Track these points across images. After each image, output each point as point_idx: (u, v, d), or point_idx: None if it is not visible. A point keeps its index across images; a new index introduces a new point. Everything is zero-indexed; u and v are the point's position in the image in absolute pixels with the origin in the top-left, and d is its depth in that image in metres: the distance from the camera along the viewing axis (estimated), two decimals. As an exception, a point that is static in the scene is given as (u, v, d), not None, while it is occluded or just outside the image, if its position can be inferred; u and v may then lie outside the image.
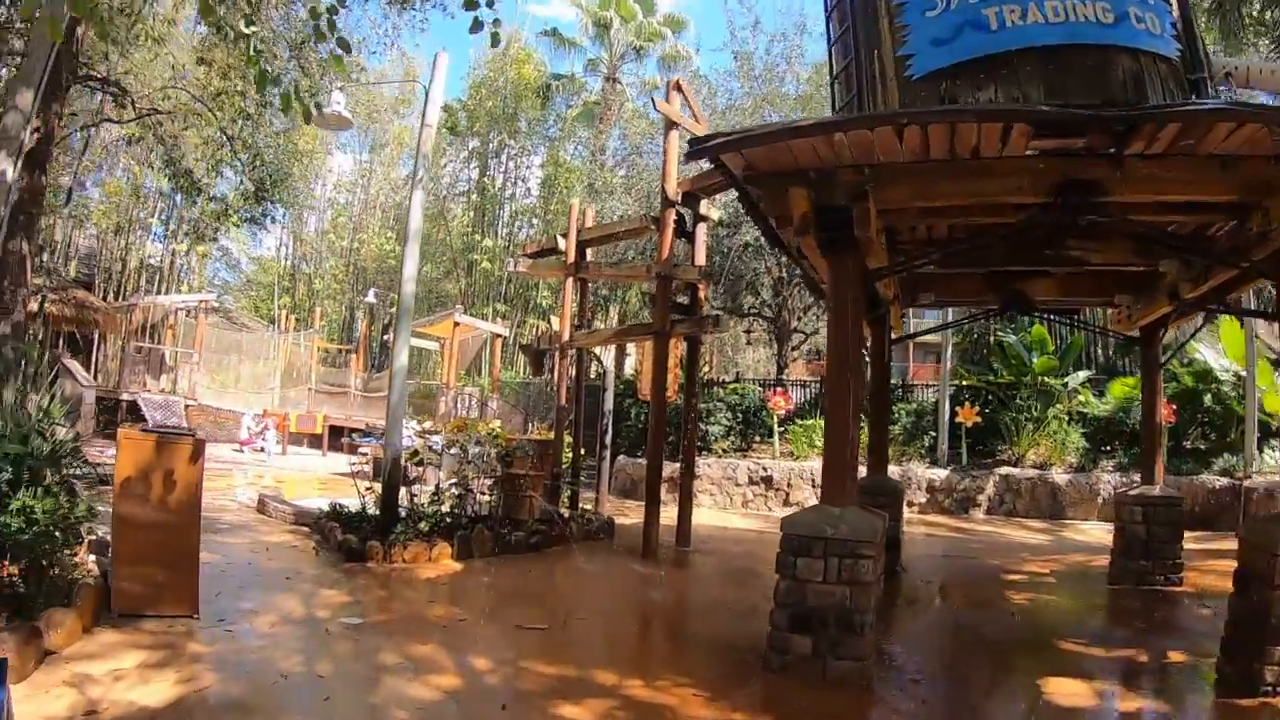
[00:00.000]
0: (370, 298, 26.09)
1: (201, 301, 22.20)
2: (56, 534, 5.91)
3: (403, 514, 8.71)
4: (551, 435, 11.25)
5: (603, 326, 18.67)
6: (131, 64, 12.61)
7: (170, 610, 5.68)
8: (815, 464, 14.59)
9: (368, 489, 9.08)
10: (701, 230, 10.94)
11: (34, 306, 12.65)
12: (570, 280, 11.24)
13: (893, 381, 21.35)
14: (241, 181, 14.10)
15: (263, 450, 20.60)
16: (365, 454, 14.39)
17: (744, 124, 21.72)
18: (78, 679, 4.34)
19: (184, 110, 12.41)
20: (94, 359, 22.02)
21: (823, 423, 15.83)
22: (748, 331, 23.40)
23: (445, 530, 8.71)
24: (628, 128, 24.04)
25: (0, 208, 6.09)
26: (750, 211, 6.95)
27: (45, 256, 22.75)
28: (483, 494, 9.75)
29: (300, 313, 29.93)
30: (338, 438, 22.40)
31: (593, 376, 15.40)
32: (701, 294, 10.85)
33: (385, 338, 28.86)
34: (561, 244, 11.40)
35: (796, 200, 5.45)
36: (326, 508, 9.38)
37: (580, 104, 31.13)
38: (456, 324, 21.04)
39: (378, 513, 8.63)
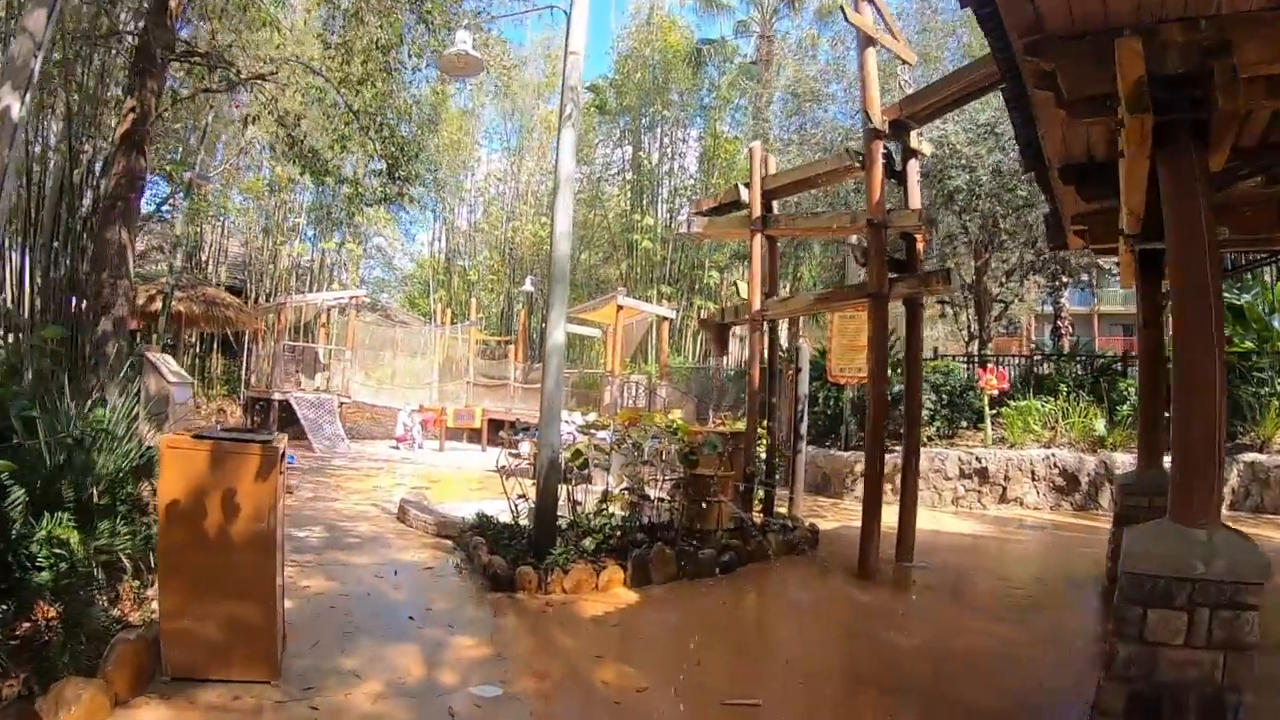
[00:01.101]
0: (528, 286, 24.83)
1: (353, 298, 21.47)
2: (97, 572, 4.39)
3: (563, 525, 6.90)
4: (739, 426, 9.17)
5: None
6: (242, 41, 11.52)
7: (239, 674, 4.05)
8: (1034, 453, 12.44)
9: (521, 497, 7.31)
10: (913, 169, 8.64)
11: (156, 304, 11.79)
12: (757, 238, 9.11)
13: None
14: (372, 159, 12.76)
15: (420, 447, 19.63)
16: (519, 453, 12.80)
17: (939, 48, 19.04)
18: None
19: (296, 81, 11.16)
20: (245, 361, 21.79)
21: (1039, 405, 13.66)
22: (944, 302, 20.54)
23: (615, 548, 6.84)
24: (792, 84, 21.66)
25: (4, 150, 4.62)
26: (1014, 105, 5.10)
27: (179, 256, 22.77)
28: (661, 498, 7.84)
29: (456, 306, 29.18)
30: (498, 431, 21.21)
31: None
32: (919, 245, 8.55)
33: (544, 326, 27.59)
34: (744, 195, 9.30)
35: (1128, 59, 3.65)
36: (474, 517, 7.73)
37: (734, 68, 28.92)
38: (619, 307, 19.29)
39: (532, 526, 6.85)
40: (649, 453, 7.75)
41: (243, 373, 21.96)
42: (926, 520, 10.67)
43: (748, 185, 9.25)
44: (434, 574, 6.74)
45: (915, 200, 8.59)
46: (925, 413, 13.49)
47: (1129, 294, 32.36)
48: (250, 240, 23.94)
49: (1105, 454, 12.13)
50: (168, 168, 14.77)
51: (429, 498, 10.35)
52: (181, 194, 12.65)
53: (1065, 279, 19.56)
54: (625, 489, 7.60)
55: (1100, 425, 12.61)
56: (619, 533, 7.06)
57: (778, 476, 9.73)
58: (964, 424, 14.06)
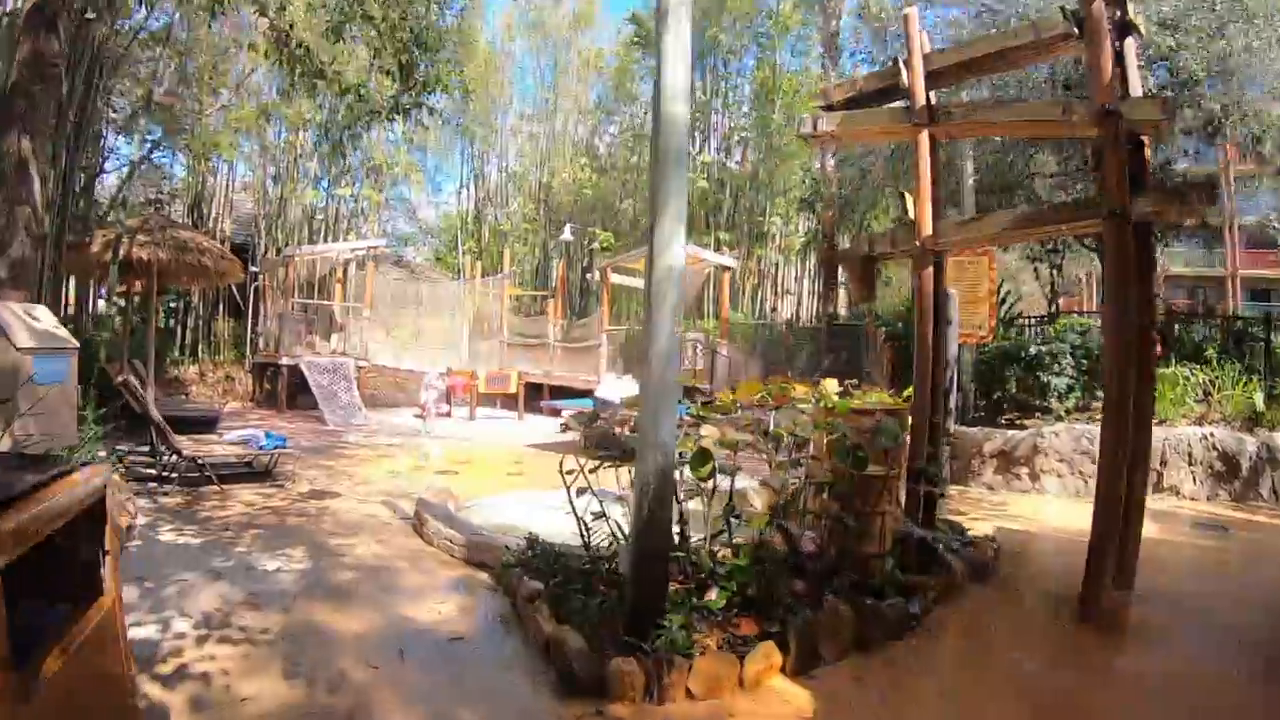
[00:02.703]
0: (566, 234, 22.10)
1: (371, 248, 18.78)
2: None
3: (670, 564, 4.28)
4: (873, 399, 6.31)
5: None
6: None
7: None
8: (1188, 432, 9.80)
9: (597, 516, 4.70)
10: (1130, 49, 5.83)
11: (96, 246, 9.24)
12: (923, 137, 6.28)
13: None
14: (376, 58, 10.06)
15: (446, 416, 17.12)
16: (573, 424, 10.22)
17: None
18: None
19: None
20: (253, 322, 19.37)
21: (1186, 374, 10.89)
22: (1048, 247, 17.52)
23: (754, 600, 4.23)
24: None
25: None
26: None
27: (181, 208, 20.29)
28: (806, 509, 5.19)
29: (488, 259, 26.52)
30: (535, 396, 18.70)
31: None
32: (1146, 150, 5.75)
33: (589, 276, 24.88)
34: (904, 77, 6.45)
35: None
36: (522, 543, 5.19)
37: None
38: (676, 254, 16.56)
39: (618, 561, 4.28)
40: (784, 447, 5.09)
41: (249, 335, 19.56)
42: (1074, 512, 8.25)
43: (906, 64, 6.42)
44: (465, 656, 4.13)
45: (1136, 88, 5.78)
46: (1063, 381, 10.81)
47: (1193, 255, 29.02)
48: (258, 191, 21.42)
49: (1264, 433, 9.60)
50: (126, 83, 12.26)
51: (455, 494, 7.79)
52: (143, 111, 10.06)
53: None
54: (751, 504, 4.96)
55: (1259, 399, 9.92)
56: (757, 571, 4.43)
57: (947, 468, 7.03)
58: (1099, 393, 11.38)
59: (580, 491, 4.70)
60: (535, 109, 30.09)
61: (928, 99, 6.30)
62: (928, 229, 6.10)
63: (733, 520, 4.72)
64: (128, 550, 5.74)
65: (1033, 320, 16.89)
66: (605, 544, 4.75)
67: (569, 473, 4.74)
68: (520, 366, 19.26)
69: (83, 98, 9.57)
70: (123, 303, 14.35)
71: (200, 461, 8.01)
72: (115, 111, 14.23)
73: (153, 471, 8.49)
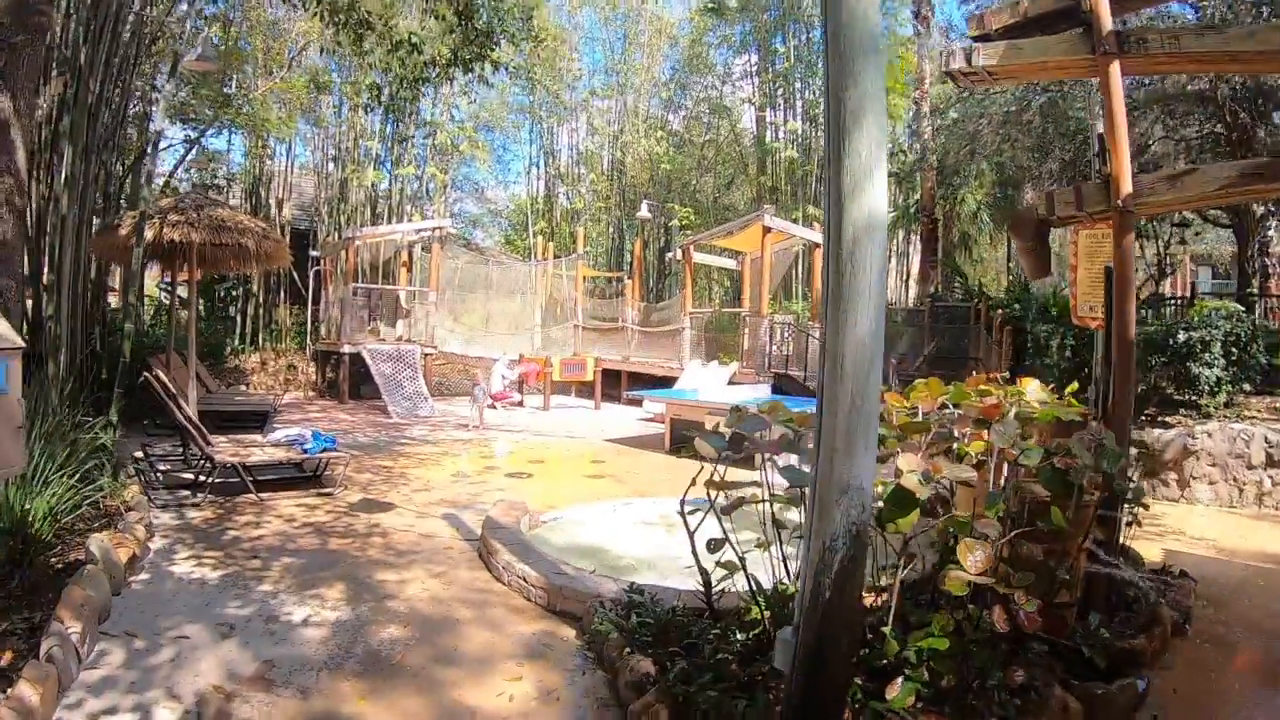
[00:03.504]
0: (644, 211, 20.64)
1: (437, 229, 17.62)
2: None
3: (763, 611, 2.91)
4: (1072, 403, 4.72)
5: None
6: None
7: None
8: None
9: (722, 567, 3.34)
10: None
11: (125, 229, 8.17)
12: (1114, 69, 4.76)
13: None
14: (433, 7, 8.83)
15: (519, 404, 15.97)
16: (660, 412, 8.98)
17: None
18: None
19: None
20: (315, 309, 18.51)
21: None
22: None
23: (949, 693, 2.86)
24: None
25: None
26: None
27: (238, 194, 19.48)
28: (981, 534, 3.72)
29: (559, 240, 25.27)
30: (614, 385, 17.43)
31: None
32: None
33: (669, 255, 23.37)
34: None
35: None
36: (618, 587, 3.91)
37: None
38: (766, 229, 14.95)
39: (758, 630, 2.94)
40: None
41: (310, 322, 18.71)
42: (1249, 531, 6.93)
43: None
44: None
45: None
46: (1214, 374, 9.17)
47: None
48: (318, 173, 20.55)
49: None
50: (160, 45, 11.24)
51: (528, 505, 6.51)
52: (170, 80, 8.96)
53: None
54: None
55: None
56: (960, 659, 3.02)
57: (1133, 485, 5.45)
58: (1247, 386, 9.62)
59: (715, 545, 3.34)
60: (605, 83, 28.67)
61: (1112, 27, 4.78)
62: (1127, 185, 4.57)
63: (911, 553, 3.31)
64: (129, 588, 4.61)
65: (1174, 302, 15.03)
66: (724, 578, 3.41)
67: (691, 513, 3.38)
68: (597, 352, 18.01)
69: (105, 70, 8.53)
70: (176, 291, 13.45)
71: (235, 466, 6.89)
72: (156, 90, 13.35)
73: (189, 477, 7.47)
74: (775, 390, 12.65)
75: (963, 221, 20.84)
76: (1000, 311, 13.86)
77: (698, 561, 3.44)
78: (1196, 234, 19.10)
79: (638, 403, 15.03)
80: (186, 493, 7.01)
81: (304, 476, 7.95)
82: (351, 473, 8.30)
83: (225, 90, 16.52)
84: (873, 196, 2.46)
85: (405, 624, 4.19)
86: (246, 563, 5.15)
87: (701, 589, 3.64)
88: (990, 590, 3.24)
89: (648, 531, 6.52)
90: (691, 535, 3.44)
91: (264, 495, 6.98)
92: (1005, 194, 20.35)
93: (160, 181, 16.35)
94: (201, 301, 18.49)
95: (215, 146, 19.48)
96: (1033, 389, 4.09)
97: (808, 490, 2.62)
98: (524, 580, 4.61)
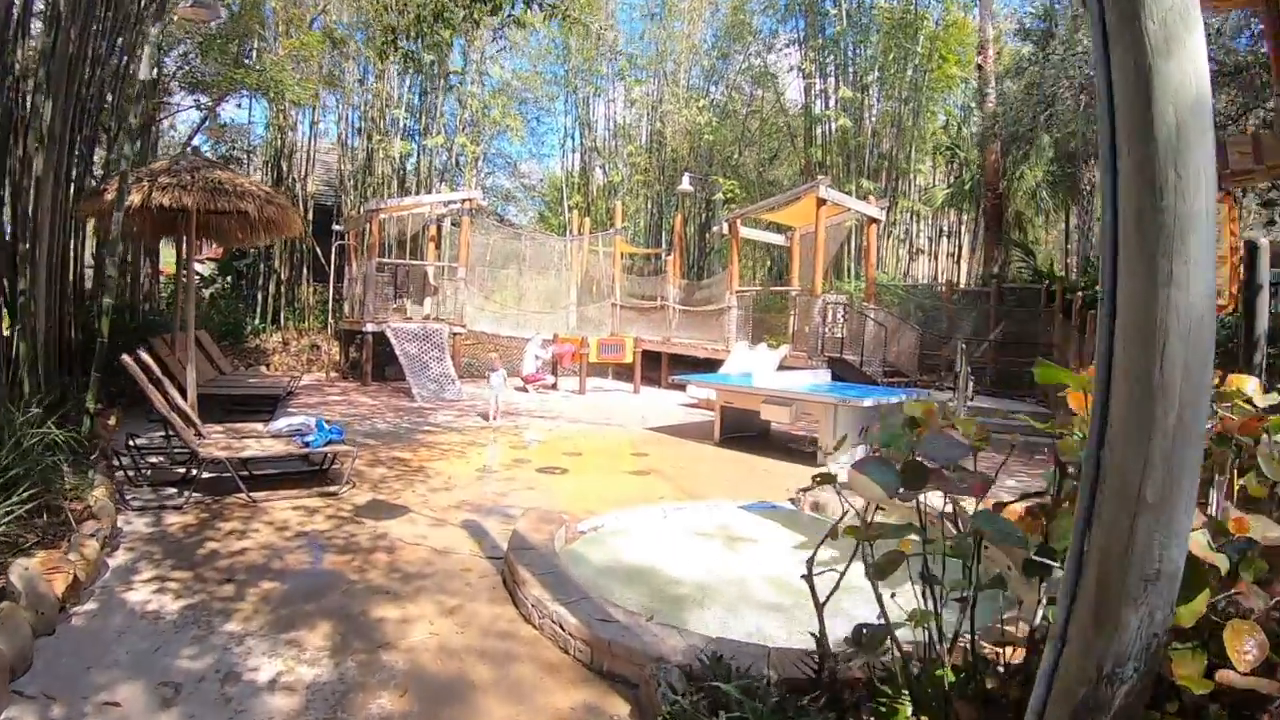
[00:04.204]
0: (685, 185, 19.43)
1: (466, 200, 16.57)
2: None
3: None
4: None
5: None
6: None
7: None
8: None
9: (856, 648, 2.27)
10: None
11: (111, 193, 7.17)
12: None
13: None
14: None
15: (552, 388, 14.98)
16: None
17: None
18: None
19: None
20: (338, 286, 17.65)
21: None
22: (1269, 204, 13.94)
23: None
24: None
25: None
26: None
27: (257, 166, 18.65)
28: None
29: (595, 215, 24.12)
30: (653, 367, 16.38)
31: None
32: None
33: (714, 229, 22.16)
34: None
35: None
36: (691, 660, 2.87)
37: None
38: (821, 201, 13.70)
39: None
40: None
41: (333, 300, 17.82)
42: None
43: None
44: None
45: None
46: None
47: None
48: (341, 145, 19.62)
49: None
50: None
51: (563, 514, 5.49)
52: (155, 19, 7.94)
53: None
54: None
55: None
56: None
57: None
58: None
59: (868, 638, 2.27)
60: (643, 52, 27.35)
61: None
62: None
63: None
64: (68, 622, 3.67)
65: None
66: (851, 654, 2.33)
67: (817, 573, 2.32)
68: (635, 332, 16.94)
69: (86, 16, 7.55)
70: (186, 268, 12.61)
71: (224, 461, 5.94)
72: (163, 51, 12.44)
73: (181, 472, 6.54)
74: (834, 378, 11.50)
75: (1018, 200, 19.50)
76: (1079, 294, 12.59)
77: (818, 643, 2.37)
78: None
79: (679, 386, 13.96)
80: (173, 491, 6.09)
81: (309, 471, 7.01)
82: (364, 466, 7.35)
83: (245, 59, 15.65)
84: (1194, 52, 1.36)
85: (401, 690, 3.18)
86: (217, 589, 4.18)
87: (802, 650, 2.60)
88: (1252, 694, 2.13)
89: (704, 545, 5.50)
90: (819, 607, 2.37)
91: (258, 495, 6.03)
92: (1064, 171, 19.00)
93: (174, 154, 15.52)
94: (220, 279, 17.69)
95: (237, 120, 18.65)
96: (1250, 386, 2.96)
97: (1034, 557, 1.54)
98: (559, 627, 3.58)
